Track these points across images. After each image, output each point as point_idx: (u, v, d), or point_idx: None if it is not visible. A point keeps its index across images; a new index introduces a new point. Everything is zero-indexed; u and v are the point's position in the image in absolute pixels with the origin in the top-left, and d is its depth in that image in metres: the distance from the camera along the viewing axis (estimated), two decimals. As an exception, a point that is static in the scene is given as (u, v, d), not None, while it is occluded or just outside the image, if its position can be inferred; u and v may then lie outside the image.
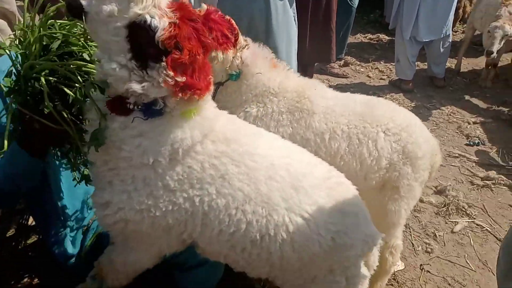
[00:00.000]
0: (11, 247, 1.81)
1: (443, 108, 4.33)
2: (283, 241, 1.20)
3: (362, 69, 5.32)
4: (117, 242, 1.35)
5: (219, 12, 1.74)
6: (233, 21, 1.74)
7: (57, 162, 1.51)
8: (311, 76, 3.71)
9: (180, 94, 1.04)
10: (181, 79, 1.02)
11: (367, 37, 6.27)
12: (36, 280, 1.69)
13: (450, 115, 4.20)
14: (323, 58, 4.23)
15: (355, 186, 1.84)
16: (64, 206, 1.61)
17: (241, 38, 1.75)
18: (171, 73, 1.01)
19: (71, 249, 1.64)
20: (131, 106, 1.06)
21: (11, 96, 1.17)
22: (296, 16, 2.52)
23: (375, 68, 5.32)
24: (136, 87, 1.02)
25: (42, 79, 1.09)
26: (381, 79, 5.08)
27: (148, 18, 1.00)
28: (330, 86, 4.67)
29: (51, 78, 1.12)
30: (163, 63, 1.01)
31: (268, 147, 1.29)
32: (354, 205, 1.32)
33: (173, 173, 1.14)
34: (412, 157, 1.78)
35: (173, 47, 1.00)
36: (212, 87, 1.17)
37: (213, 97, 1.84)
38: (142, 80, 1.03)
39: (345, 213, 1.27)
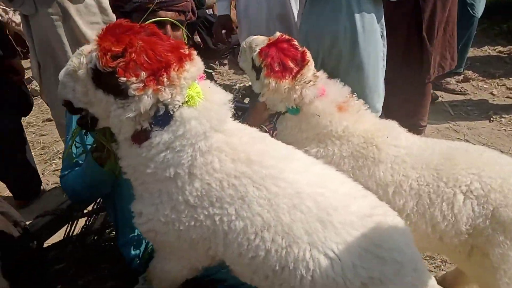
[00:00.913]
0: (95, 240, 2.05)
1: None
2: (303, 278, 1.11)
3: (485, 86, 4.70)
4: (156, 250, 1.43)
5: (293, 42, 1.73)
6: (307, 53, 1.69)
7: None
8: (425, 94, 3.23)
9: (157, 86, 1.05)
10: (143, 75, 1.04)
11: (496, 50, 5.51)
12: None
13: None
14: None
15: (431, 246, 1.61)
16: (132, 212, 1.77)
17: (307, 72, 1.66)
18: (133, 78, 1.03)
19: (135, 251, 1.78)
20: (148, 127, 1.10)
21: None
22: (384, 33, 2.35)
23: (502, 85, 4.65)
24: (127, 114, 1.06)
25: None
26: (507, 97, 4.41)
27: (90, 64, 1.07)
28: (443, 103, 4.31)
29: None
30: (121, 79, 1.03)
31: (299, 172, 1.20)
32: (399, 251, 1.15)
33: (192, 188, 1.14)
34: (506, 222, 1.45)
35: (112, 61, 1.03)
36: (192, 56, 1.15)
37: (274, 125, 1.83)
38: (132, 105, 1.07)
39: (383, 259, 1.12)
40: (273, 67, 1.62)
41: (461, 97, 4.50)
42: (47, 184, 3.58)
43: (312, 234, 1.11)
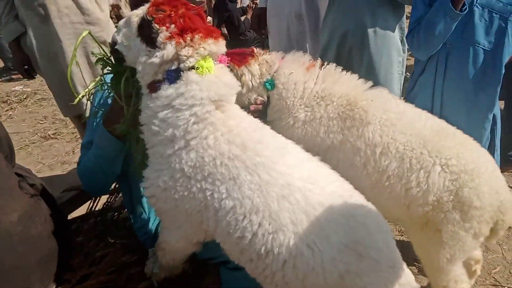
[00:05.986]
0: (115, 216, 2.21)
1: None
2: (286, 264, 1.21)
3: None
4: (160, 222, 1.52)
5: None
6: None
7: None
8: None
9: (181, 40, 1.23)
10: (172, 27, 1.24)
11: None
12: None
13: None
14: None
15: (399, 213, 1.75)
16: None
17: (257, 50, 1.82)
18: (163, 28, 1.23)
19: (151, 227, 1.91)
20: (161, 79, 1.27)
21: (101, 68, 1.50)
22: (404, 38, 2.41)
23: None
24: (152, 59, 1.25)
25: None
26: None
27: (141, 14, 1.28)
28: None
29: None
30: (155, 25, 1.23)
31: (292, 166, 1.28)
32: (377, 250, 1.23)
33: (188, 158, 1.25)
34: (465, 203, 1.60)
35: (155, 13, 1.24)
36: (218, 38, 1.31)
37: (266, 118, 1.89)
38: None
39: (361, 256, 1.21)
40: (236, 60, 1.77)
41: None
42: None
43: (298, 225, 1.20)
